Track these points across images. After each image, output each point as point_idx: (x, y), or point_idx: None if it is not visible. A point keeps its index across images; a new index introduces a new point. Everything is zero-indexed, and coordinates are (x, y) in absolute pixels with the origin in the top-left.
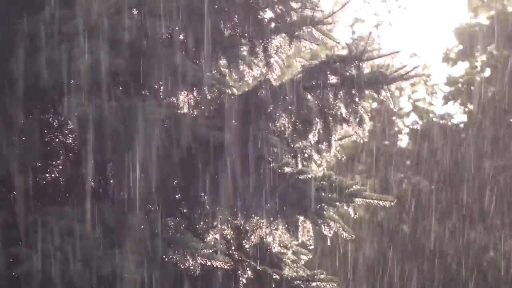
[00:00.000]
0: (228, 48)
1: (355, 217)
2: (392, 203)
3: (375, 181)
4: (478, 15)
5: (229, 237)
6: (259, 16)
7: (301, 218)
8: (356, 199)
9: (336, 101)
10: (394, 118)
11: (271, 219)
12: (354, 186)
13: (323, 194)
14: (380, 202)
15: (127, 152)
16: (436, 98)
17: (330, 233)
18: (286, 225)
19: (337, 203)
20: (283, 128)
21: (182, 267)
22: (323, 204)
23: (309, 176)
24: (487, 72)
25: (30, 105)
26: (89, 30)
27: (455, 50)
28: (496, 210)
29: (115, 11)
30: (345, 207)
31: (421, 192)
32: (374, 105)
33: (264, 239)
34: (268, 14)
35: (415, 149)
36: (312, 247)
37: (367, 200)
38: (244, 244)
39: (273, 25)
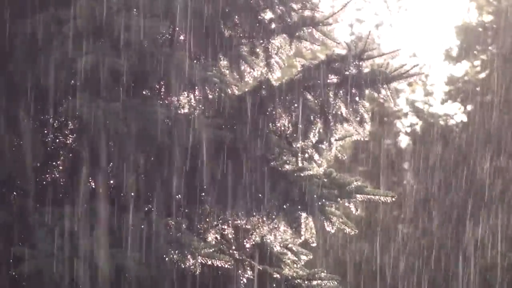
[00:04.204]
0: (229, 48)
1: (356, 214)
2: (393, 199)
3: (374, 182)
4: (482, 13)
5: (229, 237)
6: (259, 17)
7: (303, 214)
8: (358, 195)
9: (336, 101)
10: (392, 119)
11: (273, 216)
12: (355, 183)
13: (324, 190)
14: (382, 198)
15: (128, 152)
16: (434, 99)
17: (332, 229)
18: (288, 222)
19: (339, 199)
20: (283, 128)
21: (183, 267)
22: (324, 200)
23: (310, 173)
24: (487, 72)
25: (31, 106)
26: (90, 31)
27: (457, 49)
28: (496, 210)
29: (116, 11)
30: (347, 203)
31: (421, 193)
32: (373, 105)
33: (265, 239)
34: (269, 15)
35: (415, 149)
36: (315, 244)
37: (369, 196)
38: (244, 243)
39: (273, 25)
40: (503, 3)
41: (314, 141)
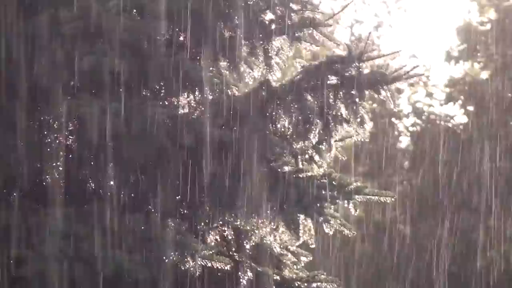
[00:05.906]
0: (229, 49)
1: (355, 214)
2: (393, 199)
3: (375, 183)
4: (484, 14)
5: (229, 238)
6: (259, 18)
7: (302, 216)
8: (357, 196)
9: (336, 102)
10: (393, 119)
11: (272, 217)
12: (354, 183)
13: (323, 191)
14: (381, 198)
15: (128, 153)
16: (436, 100)
17: (331, 230)
18: (287, 224)
19: (338, 200)
20: (283, 129)
21: (183, 268)
22: (323, 202)
23: (309, 174)
24: (489, 72)
25: (31, 106)
26: (90, 32)
27: (458, 49)
28: (497, 210)
29: (116, 12)
30: (346, 204)
31: (421, 193)
32: (374, 106)
33: (265, 240)
34: (269, 16)
35: (415, 150)
36: (313, 246)
37: (368, 197)
38: (244, 245)
39: (273, 26)
40: (504, 3)
41: (314, 142)
